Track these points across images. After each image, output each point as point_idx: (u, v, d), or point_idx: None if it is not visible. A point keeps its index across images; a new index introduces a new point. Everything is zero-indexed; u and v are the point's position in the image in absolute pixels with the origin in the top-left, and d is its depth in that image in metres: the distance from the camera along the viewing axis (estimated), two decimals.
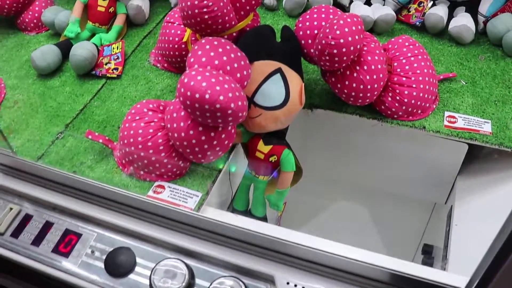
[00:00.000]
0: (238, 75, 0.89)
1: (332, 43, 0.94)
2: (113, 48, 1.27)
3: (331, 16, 1.01)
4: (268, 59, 0.98)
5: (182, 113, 0.90)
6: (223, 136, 0.91)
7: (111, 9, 1.34)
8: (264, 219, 1.11)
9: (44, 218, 0.96)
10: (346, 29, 0.94)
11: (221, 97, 0.82)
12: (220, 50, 0.89)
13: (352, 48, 0.95)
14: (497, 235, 0.60)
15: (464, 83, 1.18)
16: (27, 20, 1.41)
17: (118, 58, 1.26)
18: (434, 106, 1.12)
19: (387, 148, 1.22)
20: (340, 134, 1.21)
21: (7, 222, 0.95)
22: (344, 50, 0.95)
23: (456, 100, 1.14)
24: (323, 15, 1.02)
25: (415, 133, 1.10)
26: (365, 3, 1.36)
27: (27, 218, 0.96)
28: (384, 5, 1.34)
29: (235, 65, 0.89)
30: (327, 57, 0.97)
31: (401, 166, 1.27)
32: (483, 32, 1.30)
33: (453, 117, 1.10)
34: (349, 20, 0.96)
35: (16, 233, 0.94)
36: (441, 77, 1.18)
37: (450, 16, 1.31)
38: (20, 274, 0.98)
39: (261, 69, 0.98)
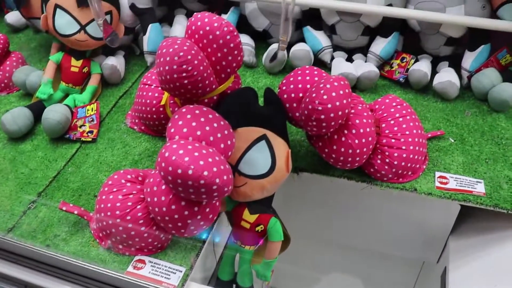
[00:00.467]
0: (222, 145, 0.85)
1: (320, 108, 0.90)
2: (88, 110, 1.22)
3: (316, 79, 0.98)
4: (252, 125, 0.94)
5: (163, 187, 0.85)
6: (207, 210, 0.86)
7: (85, 69, 1.29)
8: None
9: None
10: (334, 94, 0.91)
11: (205, 173, 0.77)
12: (202, 119, 0.85)
13: (340, 113, 0.92)
14: None
15: (453, 141, 1.16)
16: None
17: (93, 120, 1.20)
18: (424, 167, 1.09)
19: (377, 209, 1.18)
20: (327, 197, 1.17)
21: None
22: (332, 115, 0.91)
23: (446, 159, 1.11)
24: (307, 77, 0.99)
25: (406, 194, 1.06)
26: (346, 59, 1.33)
27: None
28: (366, 61, 1.32)
29: (219, 135, 0.85)
30: (314, 122, 0.93)
31: (390, 225, 1.23)
32: (467, 86, 1.29)
33: (445, 177, 1.07)
34: (336, 84, 0.93)
35: None
36: (429, 135, 1.15)
37: (433, 71, 1.30)
38: None
39: (245, 136, 0.93)
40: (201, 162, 0.77)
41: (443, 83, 1.23)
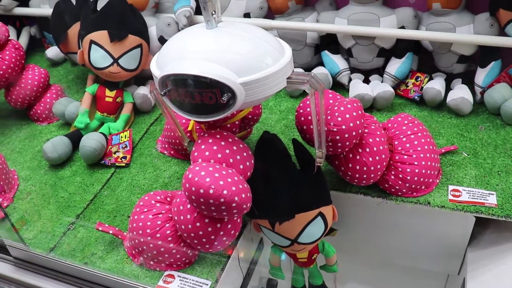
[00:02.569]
0: (241, 166, 0.92)
1: (335, 129, 0.97)
2: (121, 137, 1.31)
3: (331, 101, 1.04)
4: (308, 210, 0.98)
5: (188, 206, 0.92)
6: (229, 226, 0.93)
7: (118, 99, 1.39)
8: (323, 285, 1.19)
9: None
10: (347, 115, 0.97)
11: (225, 192, 0.84)
12: (223, 143, 0.92)
13: (354, 133, 0.98)
14: None
15: (466, 155, 1.19)
16: (39, 111, 1.47)
17: (126, 146, 1.29)
18: (438, 181, 1.13)
19: (395, 224, 1.22)
20: (346, 214, 1.22)
21: None
22: (346, 136, 0.97)
23: (459, 173, 1.15)
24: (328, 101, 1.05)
25: (421, 208, 1.11)
26: (364, 81, 1.39)
27: None
28: (382, 81, 1.38)
29: (238, 157, 0.92)
30: (330, 143, 0.99)
31: (410, 239, 1.26)
32: (481, 102, 1.33)
33: (458, 190, 1.11)
34: (349, 106, 0.99)
35: None
36: (443, 150, 1.19)
37: (448, 88, 1.35)
38: None
39: (303, 219, 0.98)
40: (221, 182, 0.85)
41: (456, 100, 1.28)
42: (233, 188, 0.85)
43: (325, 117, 0.99)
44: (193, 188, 0.85)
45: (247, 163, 0.94)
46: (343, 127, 0.97)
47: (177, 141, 1.22)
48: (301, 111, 1.06)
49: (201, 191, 0.84)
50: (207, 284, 0.97)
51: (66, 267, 1.01)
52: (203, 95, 0.85)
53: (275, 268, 1.16)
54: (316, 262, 1.15)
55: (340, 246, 1.18)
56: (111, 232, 1.06)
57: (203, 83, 0.83)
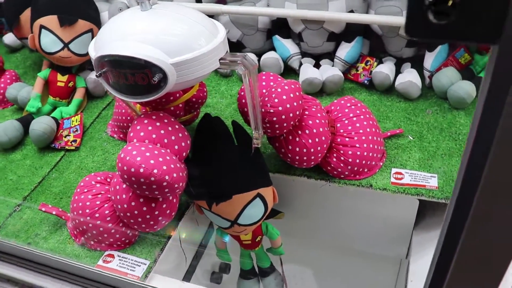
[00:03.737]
0: (176, 147, 0.93)
1: (271, 111, 0.98)
2: (72, 121, 1.31)
3: (271, 83, 1.05)
4: (245, 191, 0.99)
5: (124, 186, 0.93)
6: (164, 206, 0.94)
7: (70, 84, 1.39)
8: (272, 267, 1.22)
9: None
10: (284, 97, 0.98)
11: (155, 171, 0.85)
12: (158, 124, 0.93)
13: (291, 114, 0.99)
14: None
15: (412, 138, 1.21)
16: None
17: (77, 130, 1.30)
18: (381, 164, 1.15)
19: (340, 207, 1.24)
20: (290, 197, 1.24)
21: None
22: (283, 117, 0.98)
23: (403, 156, 1.17)
24: (263, 83, 1.06)
25: (364, 190, 1.12)
26: (314, 65, 1.41)
27: None
28: (333, 66, 1.39)
29: (173, 137, 0.93)
30: (268, 125, 1.00)
31: (358, 223, 1.28)
32: (430, 86, 1.34)
33: (400, 173, 1.13)
34: (286, 87, 1.00)
35: None
36: (389, 134, 1.21)
37: (398, 72, 1.36)
38: None
39: (241, 200, 0.99)
40: (152, 161, 0.86)
41: (404, 83, 1.29)
42: (164, 167, 0.86)
43: (263, 98, 1.00)
44: (125, 167, 0.86)
45: (183, 144, 0.95)
46: (280, 108, 0.98)
47: (126, 124, 1.23)
48: (242, 93, 1.07)
49: (132, 170, 0.85)
50: (145, 264, 0.99)
51: (9, 248, 1.02)
52: (135, 75, 0.86)
53: (221, 251, 1.18)
54: (262, 245, 1.17)
55: (286, 230, 1.20)
56: (54, 213, 1.06)
57: (135, 64, 0.84)
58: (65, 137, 1.29)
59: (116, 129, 1.30)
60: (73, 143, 1.28)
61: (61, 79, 1.38)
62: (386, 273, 1.46)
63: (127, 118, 1.21)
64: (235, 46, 1.49)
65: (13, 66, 1.62)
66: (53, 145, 1.28)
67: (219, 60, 0.90)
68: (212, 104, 1.36)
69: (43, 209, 1.06)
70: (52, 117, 1.31)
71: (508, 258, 0.51)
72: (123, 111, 1.22)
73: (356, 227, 1.30)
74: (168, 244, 1.03)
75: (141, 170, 0.85)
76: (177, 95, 1.05)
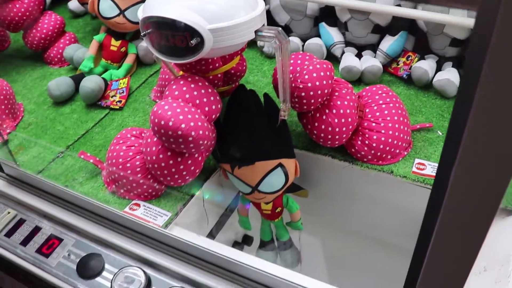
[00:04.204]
0: (207, 108, 0.99)
1: (301, 86, 1.03)
2: (120, 83, 1.40)
3: (306, 63, 1.10)
4: (268, 159, 1.04)
5: (155, 139, 1.01)
6: (189, 162, 1.01)
7: (122, 49, 1.49)
8: (290, 241, 1.27)
9: (35, 223, 1.09)
10: (315, 74, 1.03)
11: (183, 125, 0.91)
12: (192, 85, 0.99)
13: (319, 92, 1.04)
14: None
15: (441, 134, 1.23)
16: (52, 55, 1.58)
17: (123, 92, 1.39)
18: (406, 153, 1.17)
19: (363, 192, 1.26)
20: (314, 175, 1.27)
21: (3, 223, 1.10)
22: (311, 93, 1.03)
23: (429, 149, 1.19)
24: (298, 61, 1.11)
25: (388, 178, 1.15)
26: (356, 55, 1.44)
27: (20, 222, 1.10)
28: (375, 57, 1.42)
29: (205, 99, 0.99)
30: (296, 99, 1.05)
31: (378, 210, 1.30)
32: None
33: (423, 164, 1.15)
34: (318, 66, 1.05)
35: (9, 234, 1.09)
36: (418, 126, 1.23)
37: (439, 70, 1.37)
38: (6, 268, 1.10)
39: (263, 167, 1.04)
40: (181, 117, 0.92)
41: (441, 81, 1.31)
42: (191, 124, 0.93)
43: (294, 74, 1.05)
44: (156, 120, 0.93)
45: (213, 107, 1.01)
46: (309, 84, 1.02)
47: None
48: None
49: (162, 122, 0.92)
50: (167, 215, 1.05)
51: (48, 187, 1.11)
52: (175, 38, 0.92)
53: (243, 218, 1.23)
54: (282, 218, 1.21)
55: (306, 208, 1.24)
56: (91, 161, 1.15)
57: (176, 27, 0.91)
58: (111, 97, 1.38)
59: (159, 94, 1.38)
60: (118, 103, 1.37)
61: (114, 44, 1.47)
62: (402, 264, 1.47)
63: (164, 92, 1.28)
64: (284, 30, 1.54)
65: (74, 30, 1.72)
66: (100, 103, 1.38)
67: (255, 31, 0.96)
68: (253, 82, 1.42)
69: (82, 157, 1.15)
70: (102, 78, 1.40)
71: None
72: (167, 76, 1.29)
73: (375, 214, 1.32)
74: (191, 201, 1.09)
75: (170, 123, 0.91)
76: (217, 65, 1.11)
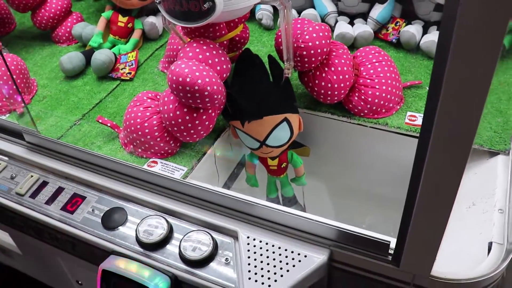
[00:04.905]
0: (218, 68, 1.09)
1: (302, 46, 1.13)
2: (129, 56, 1.49)
3: (305, 26, 1.20)
4: (274, 113, 1.14)
5: (172, 97, 1.10)
6: (204, 117, 1.10)
7: (129, 25, 1.57)
8: (294, 198, 1.38)
9: (57, 184, 1.17)
10: (314, 35, 1.13)
11: (199, 81, 1.01)
12: (205, 47, 1.09)
13: (319, 50, 1.14)
14: None
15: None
16: (60, 34, 1.66)
17: (132, 64, 1.47)
18: (398, 107, 1.28)
19: (361, 146, 1.36)
20: (316, 133, 1.37)
21: (27, 186, 1.17)
22: (312, 52, 1.13)
23: (420, 103, 1.29)
24: (298, 25, 1.20)
25: (383, 132, 1.25)
26: (349, 23, 1.54)
27: (43, 184, 1.18)
28: (366, 24, 1.52)
29: (216, 59, 1.09)
30: (298, 58, 1.15)
31: (376, 164, 1.41)
32: None
33: (414, 116, 1.25)
34: (317, 27, 1.15)
35: (33, 195, 1.16)
36: (408, 84, 1.34)
37: (425, 34, 1.48)
38: (33, 228, 1.18)
39: (270, 121, 1.14)
40: (197, 74, 1.02)
41: (427, 42, 1.41)
42: (207, 79, 1.02)
43: (295, 35, 1.15)
44: (174, 78, 1.03)
45: (224, 66, 1.10)
46: (310, 44, 1.12)
47: (175, 59, 1.39)
48: (279, 33, 1.22)
49: (180, 79, 1.01)
50: (184, 170, 1.15)
51: (68, 150, 1.19)
52: (189, 3, 1.02)
53: (250, 176, 1.33)
54: (287, 174, 1.31)
55: (308, 168, 1.34)
56: (109, 124, 1.24)
57: None
58: (121, 69, 1.47)
59: (167, 65, 1.47)
60: (128, 74, 1.45)
61: (122, 20, 1.55)
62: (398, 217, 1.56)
63: (178, 54, 1.37)
64: None
65: (78, 11, 1.80)
66: (111, 74, 1.46)
67: None
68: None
69: (100, 121, 1.24)
70: (112, 52, 1.48)
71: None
72: (174, 46, 1.38)
73: (373, 168, 1.42)
74: (204, 157, 1.19)
75: (188, 79, 1.01)
76: (223, 32, 1.20)
